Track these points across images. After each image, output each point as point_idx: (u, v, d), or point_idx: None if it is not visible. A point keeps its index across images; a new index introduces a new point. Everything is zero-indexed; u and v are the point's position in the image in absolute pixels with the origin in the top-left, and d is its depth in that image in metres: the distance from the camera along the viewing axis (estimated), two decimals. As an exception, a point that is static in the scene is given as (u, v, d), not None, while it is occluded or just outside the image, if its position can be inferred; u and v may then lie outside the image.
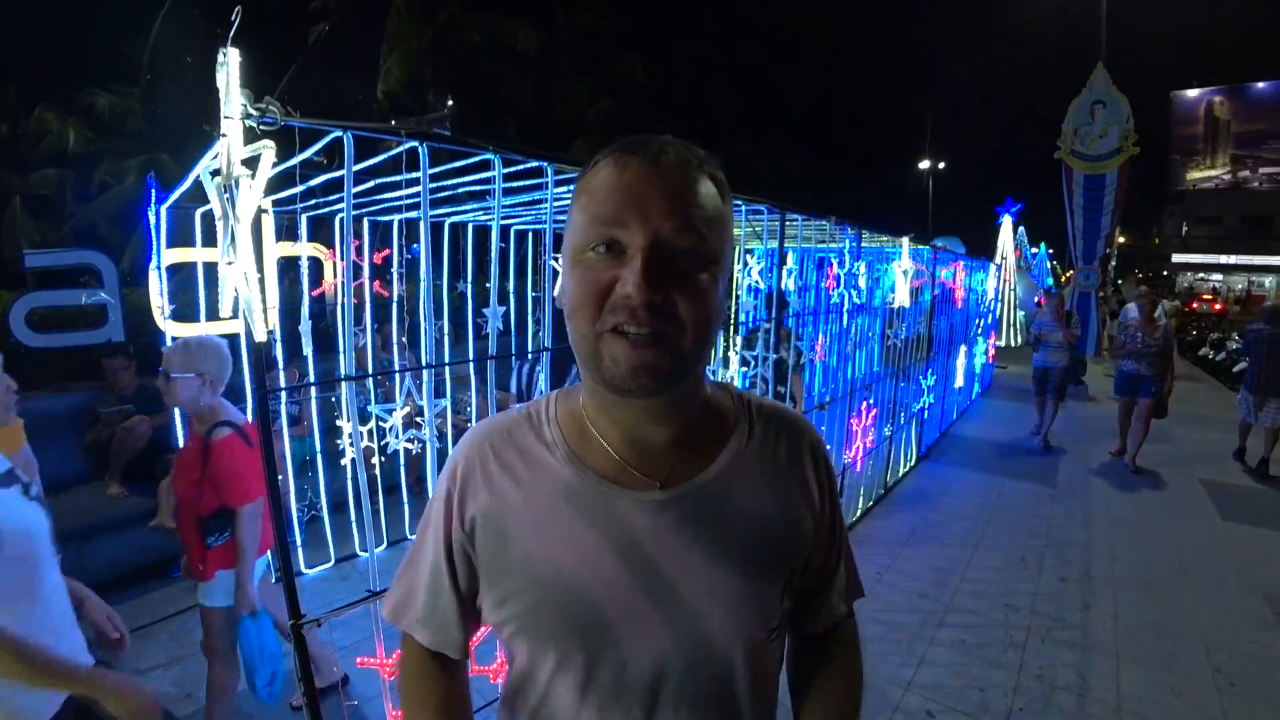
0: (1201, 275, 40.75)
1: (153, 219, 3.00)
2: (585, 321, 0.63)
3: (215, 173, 1.38)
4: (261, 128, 1.28)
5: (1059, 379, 6.62)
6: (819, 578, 0.84)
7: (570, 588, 0.69)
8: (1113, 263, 12.26)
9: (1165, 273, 41.43)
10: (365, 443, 2.25)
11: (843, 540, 0.87)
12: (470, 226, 4.28)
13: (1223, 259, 40.54)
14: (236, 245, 1.30)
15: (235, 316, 1.48)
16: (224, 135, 1.25)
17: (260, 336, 1.34)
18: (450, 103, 12.89)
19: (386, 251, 3.81)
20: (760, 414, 0.81)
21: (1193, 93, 41.48)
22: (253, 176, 1.26)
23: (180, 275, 3.54)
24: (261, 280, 1.38)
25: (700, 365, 0.69)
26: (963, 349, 7.79)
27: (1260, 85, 39.80)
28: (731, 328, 3.55)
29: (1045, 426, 6.68)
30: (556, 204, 2.30)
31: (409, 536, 4.01)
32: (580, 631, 0.69)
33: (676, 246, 0.62)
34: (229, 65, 1.25)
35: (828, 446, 0.87)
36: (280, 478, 3.59)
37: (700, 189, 0.64)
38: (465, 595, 0.79)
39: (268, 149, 1.27)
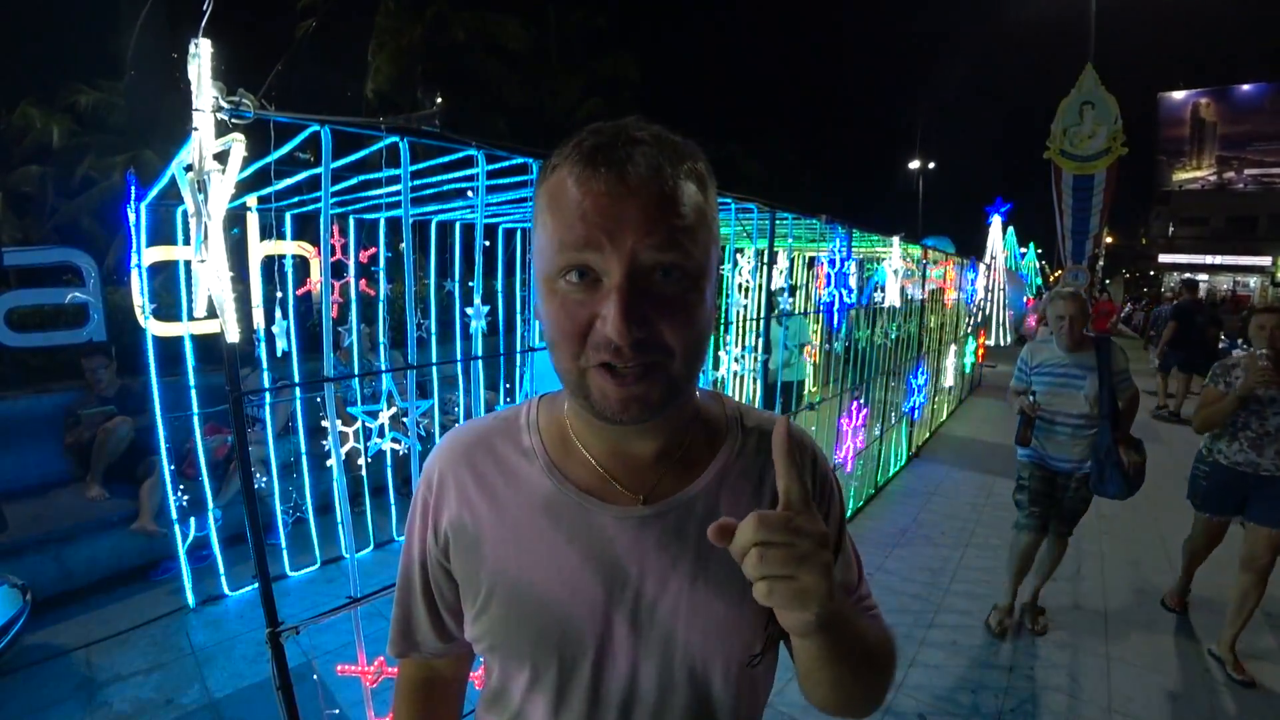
0: (1188, 275, 41.11)
1: (132, 216, 2.94)
2: (568, 357, 0.59)
3: (189, 168, 1.34)
4: (234, 121, 1.24)
5: (1078, 499, 3.10)
6: None
7: (545, 604, 0.66)
8: (1100, 263, 12.34)
9: (1152, 273, 41.81)
10: (351, 444, 2.22)
11: (848, 559, 0.79)
12: (457, 225, 4.24)
13: (1208, 259, 40.93)
14: (209, 243, 1.26)
15: (211, 316, 1.44)
16: (195, 129, 1.21)
17: (233, 337, 1.30)
18: (439, 100, 12.82)
19: (373, 250, 3.76)
20: (751, 426, 0.76)
21: (1179, 94, 41.83)
22: (223, 171, 1.22)
23: (163, 274, 3.49)
24: (246, 278, 1.35)
25: (693, 383, 0.66)
26: (953, 348, 7.81)
27: (1246, 87, 40.21)
28: (721, 326, 3.52)
29: (1039, 583, 3.32)
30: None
31: (396, 538, 3.97)
32: (554, 649, 0.66)
33: (658, 265, 0.55)
34: (201, 57, 1.21)
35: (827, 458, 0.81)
36: (266, 479, 3.56)
37: (678, 196, 0.56)
38: (441, 606, 0.77)
39: (238, 142, 1.23)
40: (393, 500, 3.90)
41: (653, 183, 0.55)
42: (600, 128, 0.59)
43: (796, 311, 4.81)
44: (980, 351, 10.54)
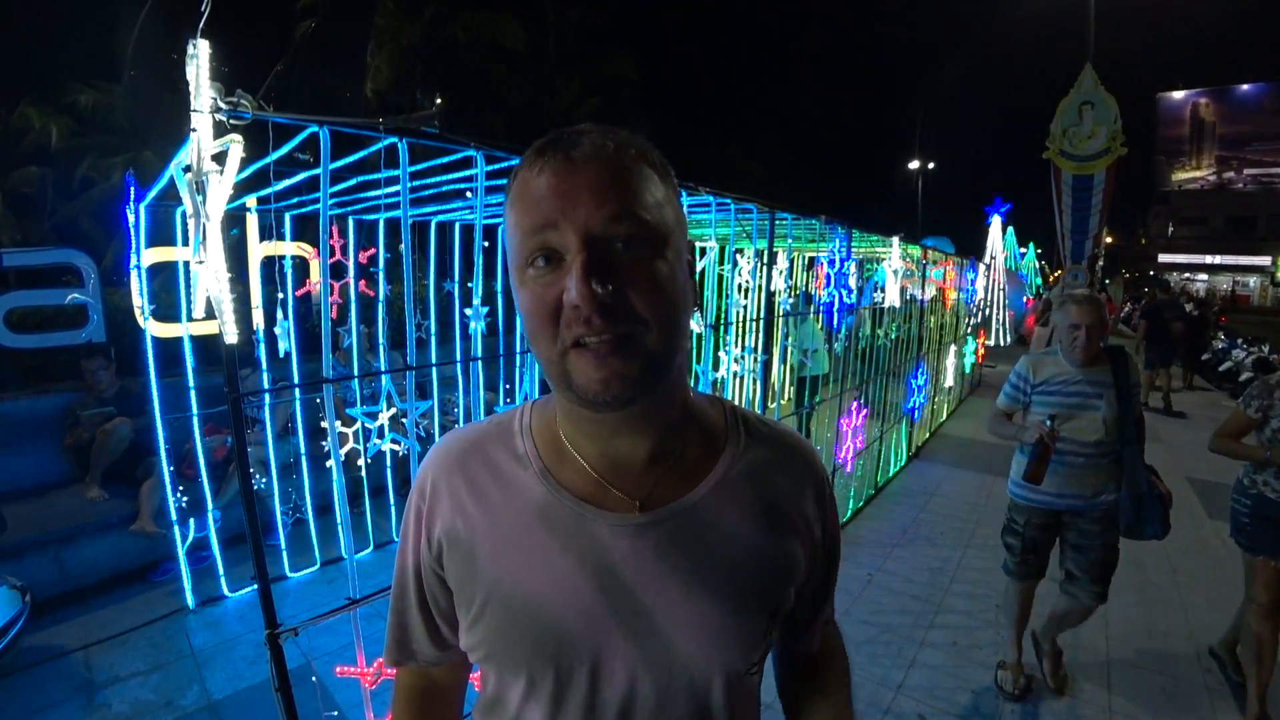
0: (1187, 275, 41.19)
1: (131, 217, 2.94)
2: (545, 344, 0.59)
3: (188, 169, 1.33)
4: (232, 122, 1.24)
5: (1105, 547, 2.62)
6: (809, 609, 0.81)
7: (540, 613, 0.65)
8: (1100, 263, 12.33)
9: (1152, 273, 41.85)
10: (350, 445, 2.22)
11: (833, 573, 0.85)
12: (456, 225, 4.24)
13: (1208, 259, 41.01)
14: (208, 244, 1.26)
15: (210, 317, 1.44)
16: (194, 130, 1.21)
17: (231, 338, 1.30)
18: (439, 100, 12.81)
19: (372, 251, 3.76)
20: (755, 434, 0.75)
21: (1178, 94, 41.93)
22: (222, 172, 1.22)
23: (163, 275, 3.49)
24: (245, 279, 1.34)
25: (675, 363, 0.64)
26: (953, 348, 7.81)
27: (1245, 87, 40.28)
28: (721, 326, 3.52)
29: (1056, 631, 2.81)
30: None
31: (395, 539, 3.96)
32: (550, 658, 0.66)
33: (615, 237, 0.57)
34: (199, 57, 1.20)
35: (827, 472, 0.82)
36: (265, 480, 3.56)
37: (627, 171, 0.59)
38: (436, 614, 0.77)
39: (235, 143, 1.22)
40: (392, 501, 3.90)
41: (597, 159, 0.58)
42: (555, 131, 0.62)
43: (805, 315, 5.00)
44: (980, 352, 10.54)
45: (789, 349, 5.29)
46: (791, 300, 6.49)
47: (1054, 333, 5.81)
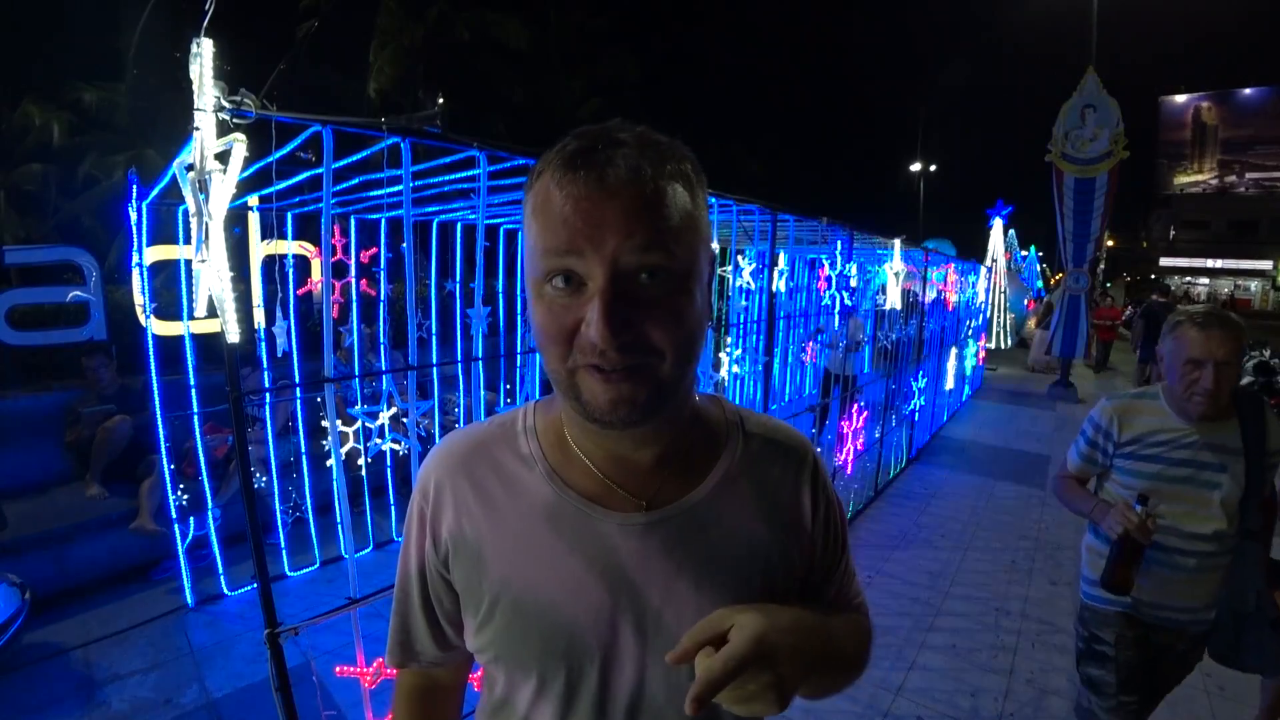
0: (1189, 279, 41.20)
1: (133, 215, 2.95)
2: (557, 359, 0.59)
3: (191, 167, 1.34)
4: (235, 121, 1.24)
5: (1182, 667, 2.00)
6: (818, 595, 0.80)
7: (551, 612, 0.66)
8: (1101, 265, 12.32)
9: (1153, 276, 41.85)
10: (351, 444, 2.22)
11: (847, 564, 0.83)
12: (459, 225, 4.24)
13: (1209, 263, 41.01)
14: (210, 242, 1.26)
15: (211, 316, 1.44)
16: (197, 129, 1.21)
17: (233, 337, 1.30)
18: (440, 100, 12.82)
19: (374, 250, 3.76)
20: (752, 432, 0.76)
21: (1180, 98, 41.94)
22: (224, 171, 1.22)
23: (164, 273, 3.49)
24: (247, 278, 1.34)
25: (685, 384, 0.64)
26: (953, 351, 7.80)
27: (1247, 91, 40.29)
28: (722, 328, 3.52)
29: None
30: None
31: (396, 538, 3.97)
32: (561, 657, 0.66)
33: (641, 268, 0.55)
34: (202, 56, 1.21)
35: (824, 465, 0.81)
36: (265, 479, 3.56)
37: (660, 196, 0.56)
38: (440, 616, 0.77)
39: (239, 142, 1.23)
40: (393, 501, 3.90)
41: (633, 185, 0.55)
42: (584, 131, 0.59)
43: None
44: (980, 354, 10.55)
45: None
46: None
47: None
